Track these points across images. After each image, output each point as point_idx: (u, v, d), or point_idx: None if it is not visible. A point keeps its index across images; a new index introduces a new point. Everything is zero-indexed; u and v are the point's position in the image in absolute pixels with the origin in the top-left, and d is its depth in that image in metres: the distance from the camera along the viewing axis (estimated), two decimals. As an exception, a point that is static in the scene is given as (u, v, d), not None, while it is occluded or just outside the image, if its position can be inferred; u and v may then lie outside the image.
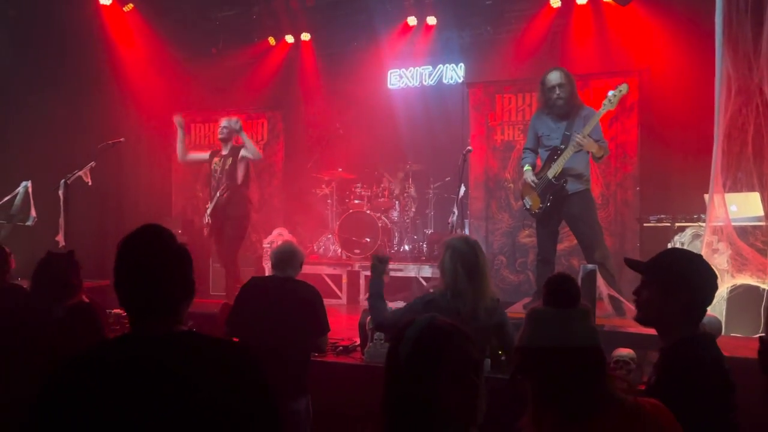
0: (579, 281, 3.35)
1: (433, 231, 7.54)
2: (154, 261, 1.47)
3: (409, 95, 8.23)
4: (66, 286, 2.80)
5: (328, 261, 7.38)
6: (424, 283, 6.66)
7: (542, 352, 1.44)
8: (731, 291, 4.06)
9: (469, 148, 5.18)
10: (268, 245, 6.74)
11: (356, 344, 4.25)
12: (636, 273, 1.97)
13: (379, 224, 7.15)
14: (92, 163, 5.62)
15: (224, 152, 5.89)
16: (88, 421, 1.34)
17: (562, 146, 4.59)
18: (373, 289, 3.01)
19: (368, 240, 7.16)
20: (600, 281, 4.29)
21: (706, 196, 4.19)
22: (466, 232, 6.58)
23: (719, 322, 3.51)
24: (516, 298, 5.68)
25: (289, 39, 8.42)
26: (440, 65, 8.17)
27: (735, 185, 4.09)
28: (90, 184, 5.61)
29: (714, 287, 1.82)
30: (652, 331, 1.92)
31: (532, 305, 1.54)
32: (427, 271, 6.73)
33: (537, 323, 1.48)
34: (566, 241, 6.11)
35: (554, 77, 4.60)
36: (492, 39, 7.73)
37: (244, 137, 5.84)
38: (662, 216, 5.34)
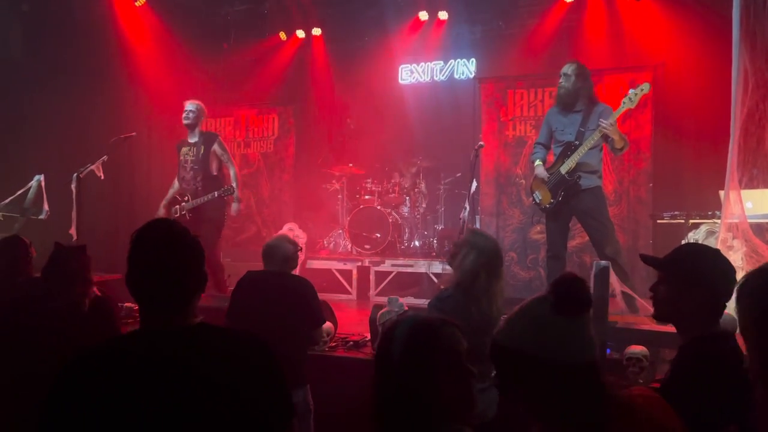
0: (591, 278, 3.31)
1: (443, 227, 7.52)
2: (167, 253, 1.46)
3: (420, 90, 8.21)
4: (86, 280, 2.80)
5: (339, 256, 7.38)
6: (435, 279, 6.64)
7: (537, 363, 1.28)
8: (746, 288, 4.00)
9: (481, 143, 5.15)
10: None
11: (367, 339, 4.24)
12: (649, 269, 1.93)
13: (390, 220, 7.13)
14: (104, 158, 5.63)
15: (192, 140, 5.51)
16: (103, 415, 1.33)
17: (576, 142, 4.57)
18: None
19: (378, 235, 7.15)
20: (613, 278, 4.25)
21: (721, 193, 4.13)
22: (477, 227, 6.55)
23: (734, 320, 3.43)
24: (527, 295, 5.53)
25: (300, 34, 8.42)
26: (451, 60, 8.14)
27: (751, 181, 4.02)
28: (102, 178, 5.63)
29: (733, 282, 1.78)
30: (666, 328, 1.89)
31: (538, 303, 1.40)
32: (437, 267, 6.71)
33: (540, 328, 1.29)
34: (578, 238, 6.07)
35: (565, 67, 4.67)
36: (504, 34, 7.68)
37: (232, 169, 5.51)
38: (676, 212, 5.27)
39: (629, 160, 6.35)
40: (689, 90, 6.14)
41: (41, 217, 5.88)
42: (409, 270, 6.89)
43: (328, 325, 4.05)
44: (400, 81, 8.36)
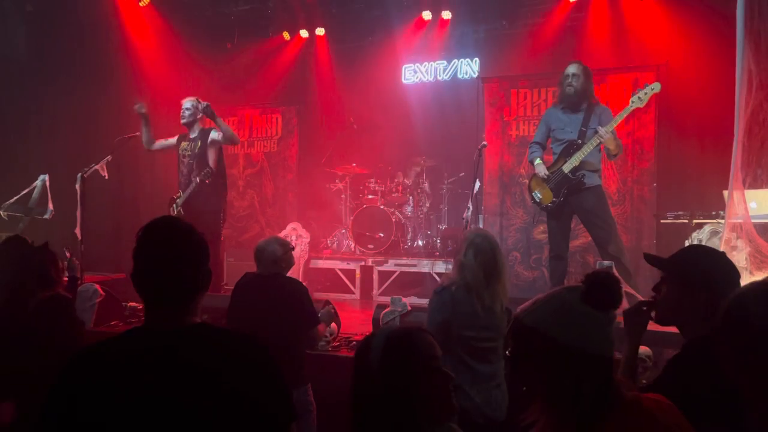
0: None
1: (446, 226, 7.52)
2: (173, 251, 1.47)
3: (423, 90, 8.20)
4: (42, 278, 2.75)
5: (342, 256, 7.38)
6: (438, 278, 6.64)
7: (564, 349, 1.30)
8: (750, 289, 3.99)
9: (485, 143, 5.16)
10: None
11: (369, 339, 4.24)
12: (654, 269, 1.93)
13: (393, 219, 7.14)
14: (108, 157, 5.66)
15: (192, 135, 5.45)
16: (102, 415, 1.34)
17: (579, 140, 4.57)
18: None
19: (382, 235, 7.16)
20: (616, 278, 4.25)
21: (725, 193, 4.13)
22: (480, 227, 6.55)
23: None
24: (530, 295, 5.53)
25: (304, 34, 8.42)
26: (455, 60, 8.12)
27: (755, 181, 4.02)
28: (106, 177, 5.66)
29: (736, 284, 1.78)
30: (669, 329, 1.88)
31: (568, 291, 1.40)
32: (440, 266, 6.71)
33: (566, 313, 1.32)
34: (581, 238, 6.07)
35: (571, 68, 4.68)
36: (507, 33, 7.67)
37: (219, 122, 5.33)
38: (680, 212, 5.27)
39: (633, 160, 6.34)
40: (693, 90, 6.12)
41: (46, 216, 5.90)
42: (413, 270, 6.89)
43: (332, 325, 4.06)
44: (403, 80, 8.36)
